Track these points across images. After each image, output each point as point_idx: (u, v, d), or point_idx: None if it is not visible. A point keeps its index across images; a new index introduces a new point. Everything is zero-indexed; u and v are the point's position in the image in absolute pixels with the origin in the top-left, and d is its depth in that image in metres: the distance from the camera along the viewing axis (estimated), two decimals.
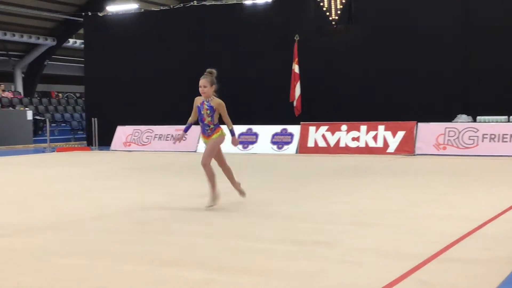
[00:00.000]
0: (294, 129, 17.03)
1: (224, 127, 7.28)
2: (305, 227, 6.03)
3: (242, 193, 7.59)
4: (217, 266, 4.50)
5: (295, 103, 17.42)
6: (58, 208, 7.55)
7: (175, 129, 18.86)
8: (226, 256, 4.82)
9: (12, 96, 26.92)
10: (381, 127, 15.87)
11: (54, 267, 4.57)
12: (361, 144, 15.98)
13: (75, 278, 4.26)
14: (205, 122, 7.11)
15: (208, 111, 7.07)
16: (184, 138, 7.73)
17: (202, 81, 7.07)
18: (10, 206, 7.83)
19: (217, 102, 7.11)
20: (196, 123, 7.42)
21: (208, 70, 7.16)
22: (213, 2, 21.72)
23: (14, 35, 26.65)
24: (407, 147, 15.39)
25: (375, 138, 15.86)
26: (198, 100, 7.18)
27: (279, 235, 5.66)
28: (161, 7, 22.25)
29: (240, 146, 17.59)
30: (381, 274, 4.20)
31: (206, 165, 7.11)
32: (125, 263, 4.66)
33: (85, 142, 22.38)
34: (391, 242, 5.28)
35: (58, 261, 4.76)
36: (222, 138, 7.24)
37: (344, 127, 16.34)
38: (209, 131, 7.14)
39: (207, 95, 7.06)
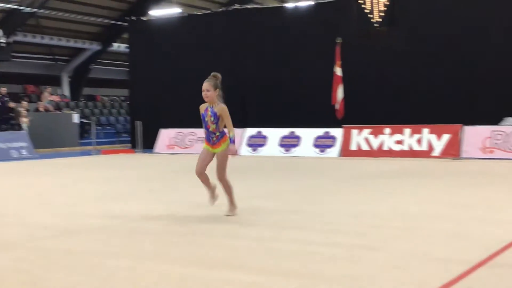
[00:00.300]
0: (337, 132, 16.92)
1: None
2: (350, 230, 5.98)
3: (213, 199, 7.10)
4: (263, 269, 4.50)
5: (337, 106, 17.30)
6: (106, 210, 7.67)
7: None
8: (272, 259, 4.81)
9: (59, 99, 27.49)
10: (425, 130, 15.64)
11: (106, 269, 4.64)
12: (405, 147, 15.78)
13: (127, 279, 4.31)
14: (210, 129, 6.69)
15: (212, 118, 6.64)
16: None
17: (205, 85, 6.65)
18: (59, 208, 7.99)
19: (220, 107, 6.66)
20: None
21: (213, 73, 6.78)
22: (256, 6, 21.75)
23: (60, 40, 27.17)
24: (452, 151, 15.12)
25: (419, 141, 15.64)
26: (202, 108, 6.79)
27: (324, 238, 5.61)
28: (204, 11, 22.40)
29: (282, 149, 17.58)
30: (430, 281, 4.13)
31: (222, 179, 6.81)
32: (173, 265, 4.70)
33: (129, 144, 22.66)
34: (439, 247, 5.18)
35: (108, 263, 4.84)
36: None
37: (387, 130, 16.16)
38: (214, 139, 6.72)
39: (210, 99, 6.65)
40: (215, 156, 6.77)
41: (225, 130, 6.73)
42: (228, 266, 4.63)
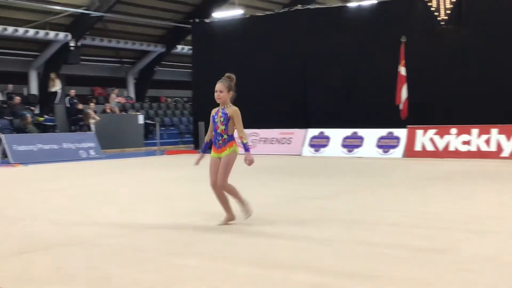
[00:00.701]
0: (401, 133, 16.67)
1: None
2: (417, 232, 5.87)
3: (229, 219, 6.47)
4: (330, 270, 4.47)
5: (401, 106, 17.01)
6: (172, 209, 7.80)
7: (279, 133, 19.02)
8: (338, 260, 4.78)
9: (124, 101, 28.17)
10: (494, 130, 15.21)
11: (171, 267, 4.72)
12: (473, 148, 15.39)
13: (193, 278, 4.38)
14: (218, 130, 6.27)
15: (222, 119, 6.25)
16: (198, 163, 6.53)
17: (219, 86, 6.29)
18: (127, 207, 8.18)
19: (232, 109, 6.28)
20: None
21: (227, 74, 6.45)
22: (318, 6, 21.65)
23: (126, 43, 27.80)
24: None
25: (487, 141, 15.22)
26: (214, 110, 6.42)
27: (390, 240, 5.54)
28: (266, 12, 22.46)
29: (345, 150, 17.46)
30: (501, 285, 4.01)
31: (223, 186, 6.27)
32: (237, 265, 4.73)
33: (192, 145, 22.98)
34: (510, 251, 5.03)
35: (174, 261, 4.92)
36: (235, 155, 6.32)
37: (453, 130, 15.79)
38: (221, 142, 6.26)
39: (222, 100, 6.27)
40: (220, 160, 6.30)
41: (235, 135, 6.28)
42: (293, 267, 4.61)
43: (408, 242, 5.42)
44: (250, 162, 6.22)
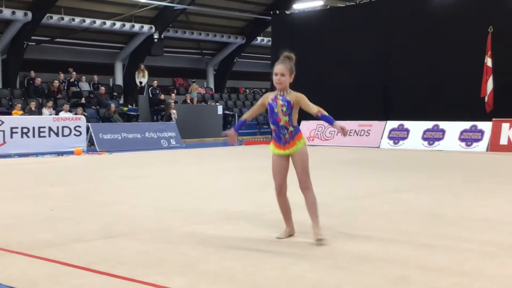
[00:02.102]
0: (485, 126, 16.14)
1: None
2: (506, 229, 5.66)
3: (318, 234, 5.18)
4: (417, 265, 4.37)
5: (486, 99, 16.44)
6: (252, 199, 7.85)
7: (358, 124, 18.79)
8: (422, 255, 4.67)
9: (204, 92, 28.61)
10: None
11: (256, 256, 4.74)
12: None
13: (277, 267, 4.39)
14: (281, 123, 5.18)
15: (284, 108, 5.16)
16: (236, 141, 5.74)
17: (280, 68, 5.16)
18: (209, 196, 8.29)
19: (296, 95, 5.20)
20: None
21: (286, 54, 5.30)
22: None
23: (208, 35, 28.20)
24: None
25: None
26: (268, 97, 5.31)
27: (477, 236, 5.36)
28: (347, 3, 22.20)
29: (425, 143, 17.06)
30: None
31: (308, 187, 5.27)
32: (331, 259, 4.70)
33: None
34: None
35: (255, 249, 4.94)
36: (306, 148, 5.31)
37: None
38: (287, 136, 5.19)
39: (284, 85, 5.19)
40: (290, 159, 5.30)
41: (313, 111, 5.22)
42: (379, 259, 4.54)
43: (494, 238, 5.23)
44: (344, 130, 5.19)
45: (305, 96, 5.23)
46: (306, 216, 5.27)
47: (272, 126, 5.30)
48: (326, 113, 5.18)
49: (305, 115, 18.38)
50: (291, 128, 5.19)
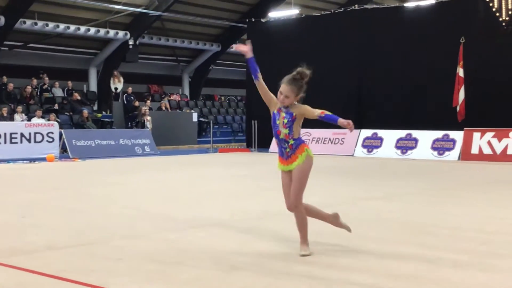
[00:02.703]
0: (457, 135, 16.34)
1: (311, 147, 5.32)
2: (474, 237, 5.75)
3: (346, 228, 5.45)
4: (386, 273, 4.41)
5: (458, 108, 16.67)
6: (226, 207, 7.84)
7: (332, 133, 18.89)
8: (393, 263, 4.71)
9: (179, 99, 28.53)
10: None
11: (229, 263, 4.74)
12: None
13: (250, 274, 4.39)
14: (281, 136, 5.00)
15: (286, 120, 4.98)
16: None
17: (286, 89, 4.97)
18: (183, 203, 8.27)
19: (300, 107, 5.04)
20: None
21: (299, 70, 5.11)
22: (375, 6, 21.42)
23: (183, 42, 28.13)
24: None
25: None
26: (277, 104, 5.13)
27: (447, 244, 5.42)
28: (322, 12, 22.36)
29: (398, 151, 17.23)
30: None
31: (297, 206, 5.03)
32: (303, 265, 4.72)
33: (244, 143, 23.07)
34: None
35: (232, 257, 4.94)
36: (310, 162, 5.04)
37: None
38: (288, 150, 5.00)
39: (288, 104, 5.02)
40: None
41: (302, 138, 5.13)
42: (349, 269, 4.57)
43: (466, 246, 5.30)
44: (350, 125, 4.90)
45: (308, 106, 5.08)
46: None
47: (275, 139, 5.13)
48: (329, 113, 4.99)
49: None
50: (291, 141, 4.99)
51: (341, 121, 4.88)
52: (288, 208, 5.09)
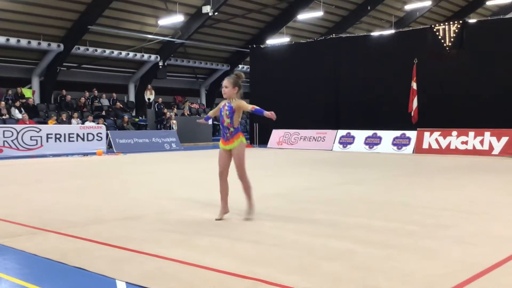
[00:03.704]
0: (412, 134, 16.31)
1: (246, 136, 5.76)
2: (424, 212, 5.73)
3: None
4: (356, 240, 4.42)
5: (412, 113, 16.65)
6: (235, 191, 7.82)
7: (316, 132, 18.87)
8: (362, 232, 4.72)
9: (198, 107, 28.51)
10: (487, 133, 14.70)
11: (235, 232, 4.75)
12: (469, 147, 14.92)
13: (253, 241, 4.40)
14: (225, 124, 5.27)
15: (228, 112, 5.24)
16: (208, 122, 5.85)
17: (225, 82, 5.27)
18: (202, 187, 8.26)
19: (237, 102, 5.26)
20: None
21: (236, 72, 5.45)
22: (348, 35, 21.36)
23: (201, 63, 28.14)
24: (510, 150, 14.12)
25: (481, 142, 14.73)
26: (221, 103, 5.41)
27: (403, 217, 5.42)
28: (308, 39, 22.32)
29: (367, 147, 17.20)
30: (494, 254, 3.89)
31: (242, 177, 5.35)
32: (288, 234, 4.73)
33: (248, 141, 23.04)
34: (500, 228, 4.86)
35: (238, 229, 4.95)
36: (243, 145, 5.34)
37: (454, 132, 15.35)
38: (228, 134, 5.26)
39: (228, 95, 5.24)
40: (231, 153, 5.34)
41: (249, 109, 5.18)
42: (328, 235, 4.58)
43: (417, 219, 5.30)
44: (272, 115, 5.02)
45: (244, 102, 5.29)
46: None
47: (220, 126, 5.44)
48: (258, 108, 5.16)
49: (276, 125, 18.10)
50: (231, 129, 5.25)
51: (266, 113, 5.06)
52: (220, 175, 5.40)
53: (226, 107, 5.27)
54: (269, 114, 5.05)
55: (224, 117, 5.27)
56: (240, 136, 5.30)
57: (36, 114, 20.30)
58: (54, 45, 21.64)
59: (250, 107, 5.18)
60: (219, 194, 5.48)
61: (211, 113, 5.76)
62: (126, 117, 21.56)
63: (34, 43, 21.15)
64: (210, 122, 5.60)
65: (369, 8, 28.35)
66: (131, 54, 24.33)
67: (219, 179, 5.44)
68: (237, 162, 5.30)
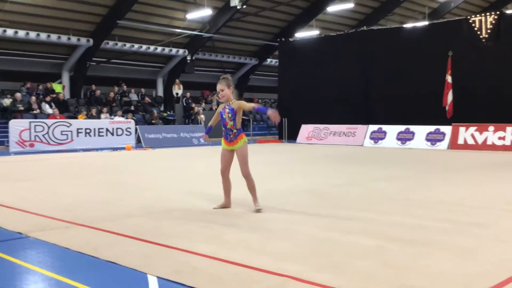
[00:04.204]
0: (446, 129, 16.04)
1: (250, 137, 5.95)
2: (460, 210, 5.64)
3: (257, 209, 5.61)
4: (387, 237, 4.39)
5: (447, 108, 16.36)
6: (263, 184, 7.85)
7: (346, 128, 18.74)
8: (395, 230, 4.68)
9: None
10: None
11: (264, 229, 4.78)
12: (507, 142, 14.58)
13: (284, 238, 4.41)
14: (228, 126, 5.47)
15: (230, 115, 5.44)
16: (209, 141, 6.11)
17: (219, 86, 5.44)
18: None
19: (236, 103, 5.45)
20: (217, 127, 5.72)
21: (222, 76, 5.61)
22: (379, 27, 21.09)
23: (229, 57, 28.23)
24: None
25: None
26: (220, 107, 5.58)
27: (437, 215, 5.35)
28: (337, 32, 22.12)
29: (399, 142, 16.99)
30: None
31: (247, 175, 5.58)
32: (319, 231, 4.73)
33: (277, 136, 23.05)
34: None
35: (268, 224, 4.97)
36: (246, 145, 5.57)
37: (491, 128, 15.01)
38: (231, 136, 5.50)
39: (226, 98, 5.45)
40: (235, 153, 5.59)
41: (251, 106, 5.51)
42: (360, 232, 4.56)
43: (452, 217, 5.22)
44: (274, 115, 5.19)
45: (244, 102, 5.49)
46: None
47: (222, 129, 5.54)
48: (261, 106, 5.49)
49: (305, 120, 18.16)
50: (235, 130, 5.47)
51: (269, 112, 5.23)
52: (221, 172, 5.69)
53: (227, 110, 5.46)
54: (272, 114, 5.19)
55: (227, 119, 5.46)
56: (243, 136, 5.54)
57: (66, 109, 20.76)
58: (83, 40, 22.07)
59: (251, 105, 5.44)
60: (222, 189, 5.77)
61: (212, 122, 5.80)
62: (154, 112, 21.84)
63: (64, 38, 21.61)
64: None
65: None
66: (159, 49, 24.59)
67: (222, 177, 5.71)
68: (241, 161, 5.51)
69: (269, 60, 30.01)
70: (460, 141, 15.52)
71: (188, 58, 25.70)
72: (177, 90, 25.52)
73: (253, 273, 3.42)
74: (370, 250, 3.97)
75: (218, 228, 4.80)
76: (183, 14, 23.76)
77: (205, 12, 23.00)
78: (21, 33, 20.40)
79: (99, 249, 4.07)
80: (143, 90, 24.97)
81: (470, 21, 16.22)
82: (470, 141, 15.30)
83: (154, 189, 7.48)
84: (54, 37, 21.30)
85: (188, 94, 24.96)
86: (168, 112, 24.54)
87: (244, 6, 23.31)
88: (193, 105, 24.00)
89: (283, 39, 22.53)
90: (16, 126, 15.74)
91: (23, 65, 22.45)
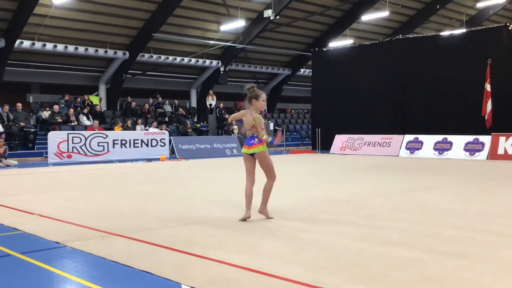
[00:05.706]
0: (485, 139, 15.61)
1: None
2: (502, 221, 5.46)
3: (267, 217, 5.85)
4: (426, 248, 4.29)
5: (486, 117, 15.94)
6: (297, 195, 7.83)
7: (381, 138, 18.49)
8: (433, 241, 4.57)
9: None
10: None
11: (296, 239, 4.73)
12: None
13: (322, 247, 4.37)
14: (250, 134, 5.72)
15: (254, 122, 5.64)
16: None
17: (264, 96, 5.76)
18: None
19: (258, 118, 5.66)
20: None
21: (250, 86, 5.82)
22: (416, 35, 20.80)
23: (262, 68, 28.37)
24: None
25: None
26: (247, 114, 5.72)
27: (477, 226, 5.20)
28: (372, 41, 21.94)
29: (436, 152, 16.64)
30: None
31: (272, 177, 5.81)
32: (353, 241, 4.67)
33: (310, 146, 22.94)
34: None
35: (301, 235, 4.92)
36: (267, 150, 5.72)
37: None
38: (255, 140, 5.65)
39: (262, 108, 5.75)
40: (255, 158, 5.71)
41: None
42: (397, 244, 4.46)
43: (493, 228, 5.06)
44: (279, 138, 5.64)
45: (262, 120, 5.67)
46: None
47: (246, 134, 5.72)
48: (266, 138, 5.62)
49: (339, 130, 17.99)
50: (256, 139, 5.62)
51: (276, 141, 5.64)
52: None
53: (252, 117, 5.61)
54: (278, 140, 5.60)
55: (250, 127, 5.63)
56: (264, 144, 5.63)
57: (102, 121, 21.24)
58: (120, 53, 22.60)
59: (262, 131, 5.58)
60: (246, 200, 5.79)
61: (236, 116, 5.99)
62: (188, 123, 22.08)
63: (101, 52, 22.18)
64: None
65: (438, 6, 27.48)
66: (193, 60, 24.94)
67: (247, 181, 5.84)
68: (265, 164, 5.65)
69: (302, 70, 29.97)
70: (500, 151, 15.07)
71: (222, 69, 25.95)
72: (211, 101, 25.77)
73: (288, 285, 3.39)
74: (407, 261, 3.89)
75: (253, 238, 4.79)
76: (216, 26, 24.05)
77: (239, 24, 23.21)
78: (60, 47, 21.06)
79: (134, 259, 4.11)
80: (176, 101, 25.31)
81: (510, 27, 15.82)
82: (511, 151, 14.84)
83: (188, 199, 7.54)
84: (91, 50, 21.89)
85: (221, 105, 25.17)
86: (202, 123, 24.77)
87: (277, 17, 23.42)
88: (226, 116, 24.16)
89: (316, 49, 22.48)
90: (55, 137, 16.17)
91: (62, 78, 23.14)
